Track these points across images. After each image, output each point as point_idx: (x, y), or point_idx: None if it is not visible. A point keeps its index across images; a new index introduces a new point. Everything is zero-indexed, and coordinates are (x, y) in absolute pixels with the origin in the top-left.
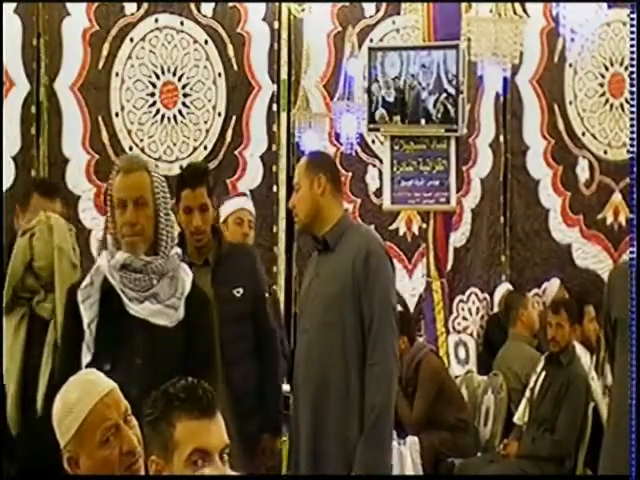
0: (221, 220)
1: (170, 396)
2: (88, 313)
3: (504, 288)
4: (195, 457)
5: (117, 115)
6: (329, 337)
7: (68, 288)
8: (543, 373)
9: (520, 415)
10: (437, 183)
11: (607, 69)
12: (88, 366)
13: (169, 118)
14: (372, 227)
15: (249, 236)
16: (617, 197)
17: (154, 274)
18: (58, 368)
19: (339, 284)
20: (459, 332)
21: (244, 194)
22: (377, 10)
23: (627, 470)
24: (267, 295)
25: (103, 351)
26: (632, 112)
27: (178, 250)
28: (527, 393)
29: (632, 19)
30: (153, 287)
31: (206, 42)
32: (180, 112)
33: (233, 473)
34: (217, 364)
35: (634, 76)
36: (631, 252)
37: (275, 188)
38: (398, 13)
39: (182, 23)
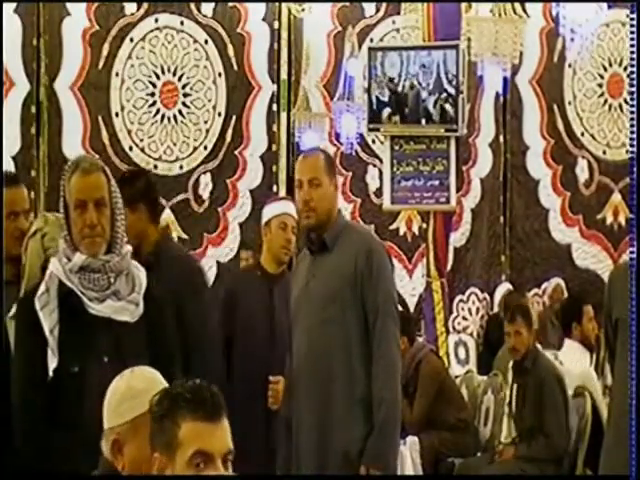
0: (263, 222)
1: (176, 395)
2: (49, 320)
3: (504, 288)
4: (197, 459)
5: (117, 115)
6: (331, 333)
7: (22, 297)
8: (515, 385)
9: (506, 434)
10: (437, 183)
11: (606, 69)
12: (55, 371)
13: (169, 118)
14: (372, 227)
15: (293, 242)
16: (616, 197)
17: (112, 272)
18: (22, 376)
19: (340, 282)
20: (459, 332)
21: (288, 198)
22: (377, 10)
23: (627, 470)
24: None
25: (69, 354)
26: (632, 112)
27: (129, 247)
28: (505, 409)
29: (632, 19)
30: (112, 285)
31: (206, 42)
32: (180, 112)
33: None
34: (178, 359)
35: (634, 76)
36: (631, 252)
37: (275, 188)
38: (398, 13)
39: (182, 23)
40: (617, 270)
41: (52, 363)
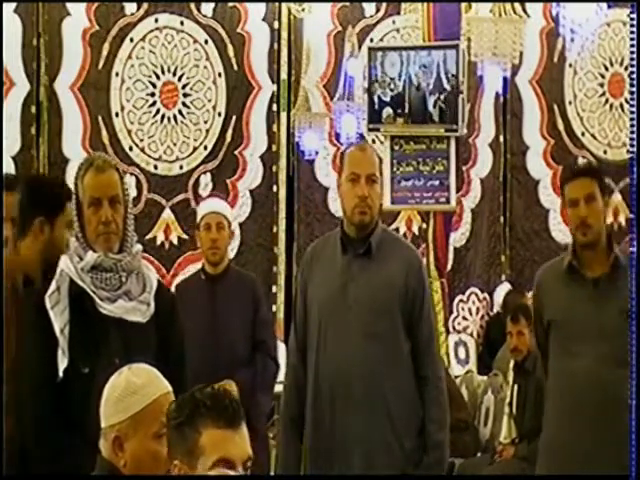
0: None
1: (197, 402)
2: (60, 319)
3: (505, 288)
4: (219, 467)
5: (117, 115)
6: (380, 349)
7: (30, 295)
8: (515, 386)
9: (505, 434)
10: (437, 183)
11: (607, 69)
12: (65, 371)
13: (169, 118)
14: None
15: (220, 240)
16: (617, 197)
17: (123, 272)
18: (32, 376)
19: (389, 294)
20: (459, 332)
21: (216, 194)
22: (377, 10)
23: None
24: None
25: (79, 354)
26: (632, 112)
27: (139, 246)
28: (506, 409)
29: (632, 19)
30: (123, 285)
31: (206, 42)
32: (180, 112)
33: None
34: (188, 360)
35: (634, 76)
36: (631, 252)
37: (275, 188)
38: (398, 13)
39: (182, 23)
40: (544, 272)
41: (62, 363)
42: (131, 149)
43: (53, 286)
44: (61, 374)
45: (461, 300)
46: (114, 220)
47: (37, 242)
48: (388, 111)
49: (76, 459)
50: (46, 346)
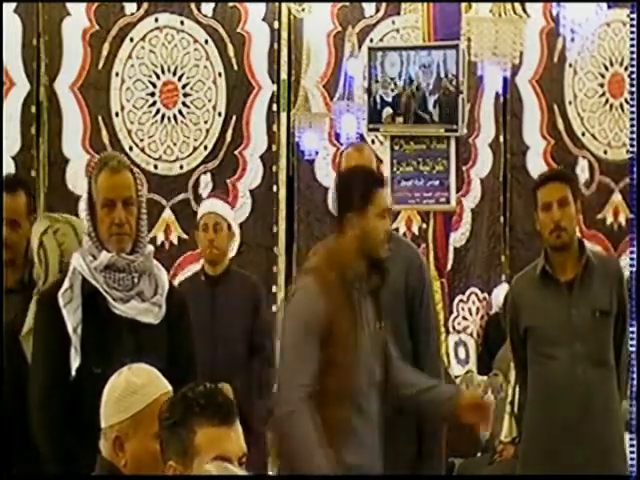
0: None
1: (190, 401)
2: (73, 317)
3: (505, 288)
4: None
5: (117, 115)
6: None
7: (42, 293)
8: (517, 385)
9: (506, 432)
10: (437, 183)
11: (607, 69)
12: (78, 370)
13: (169, 118)
14: None
15: (217, 241)
16: (617, 197)
17: (136, 272)
18: (44, 374)
19: (392, 293)
20: (459, 332)
21: (216, 195)
22: (377, 10)
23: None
24: None
25: (92, 354)
26: (632, 112)
27: (151, 247)
28: (507, 408)
29: (632, 19)
30: (136, 286)
31: (206, 42)
32: (180, 112)
33: None
34: (197, 362)
35: (634, 76)
36: (631, 252)
37: (275, 188)
38: (398, 13)
39: (182, 23)
40: (518, 281)
41: (75, 362)
42: (131, 149)
43: (66, 284)
44: (74, 373)
45: (461, 300)
46: (127, 222)
47: (352, 237)
48: (388, 111)
49: (87, 459)
50: (59, 344)
